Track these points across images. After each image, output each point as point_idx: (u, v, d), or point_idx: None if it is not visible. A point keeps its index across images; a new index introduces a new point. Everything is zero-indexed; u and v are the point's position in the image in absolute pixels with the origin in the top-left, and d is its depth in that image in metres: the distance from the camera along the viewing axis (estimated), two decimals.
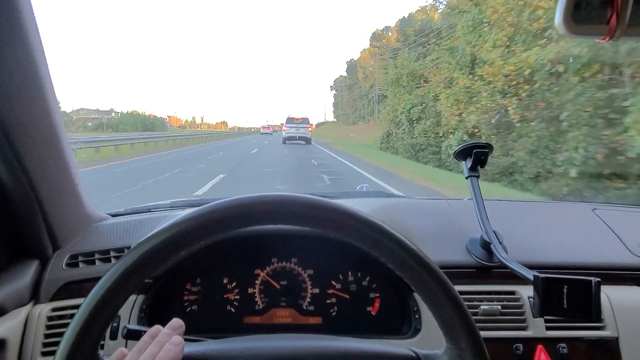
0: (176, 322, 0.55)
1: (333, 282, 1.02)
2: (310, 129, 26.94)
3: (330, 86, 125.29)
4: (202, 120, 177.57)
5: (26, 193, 0.84)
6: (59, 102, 0.87)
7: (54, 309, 0.91)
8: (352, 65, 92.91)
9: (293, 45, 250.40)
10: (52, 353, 0.79)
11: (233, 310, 1.01)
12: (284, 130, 27.28)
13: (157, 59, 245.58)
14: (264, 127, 66.51)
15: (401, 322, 0.99)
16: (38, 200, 0.86)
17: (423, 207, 1.23)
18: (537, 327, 0.91)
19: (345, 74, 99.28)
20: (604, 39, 0.56)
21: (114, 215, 1.19)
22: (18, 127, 0.76)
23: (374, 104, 69.18)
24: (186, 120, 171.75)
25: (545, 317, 0.89)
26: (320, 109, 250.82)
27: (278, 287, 1.02)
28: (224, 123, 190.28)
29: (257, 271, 1.02)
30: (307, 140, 26.45)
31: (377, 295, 1.01)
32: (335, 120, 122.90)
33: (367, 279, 1.02)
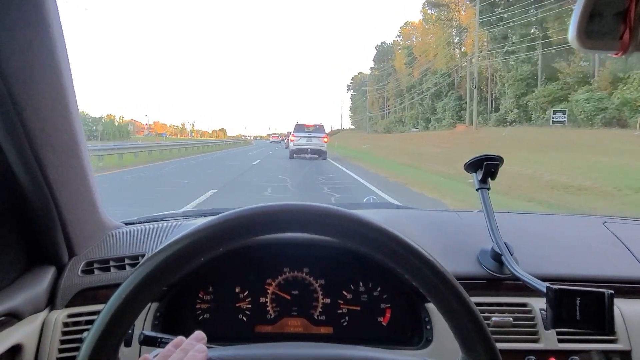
0: (199, 334, 0.57)
1: (344, 292, 1.02)
2: (325, 140, 19.41)
3: (347, 85, 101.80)
4: (193, 127, 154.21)
5: (46, 200, 0.85)
6: (79, 110, 0.88)
7: (70, 315, 0.92)
8: (384, 51, 68.84)
9: (299, 39, 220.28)
10: (68, 359, 0.87)
11: (245, 319, 1.01)
12: (292, 140, 19.78)
13: (146, 59, 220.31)
14: (273, 137, 67.70)
15: (412, 333, 0.99)
16: (57, 208, 0.87)
17: (433, 218, 1.25)
18: (549, 340, 0.91)
19: (372, 64, 75.09)
20: (617, 54, 0.57)
21: (127, 224, 1.20)
22: (42, 136, 0.78)
23: (438, 100, 44.06)
24: (173, 126, 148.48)
25: (558, 330, 0.89)
26: (333, 114, 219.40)
27: (289, 296, 1.02)
28: (223, 131, 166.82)
29: (269, 280, 1.02)
30: (322, 154, 19.07)
31: (388, 305, 1.02)
32: (353, 127, 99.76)
33: (378, 289, 1.02)
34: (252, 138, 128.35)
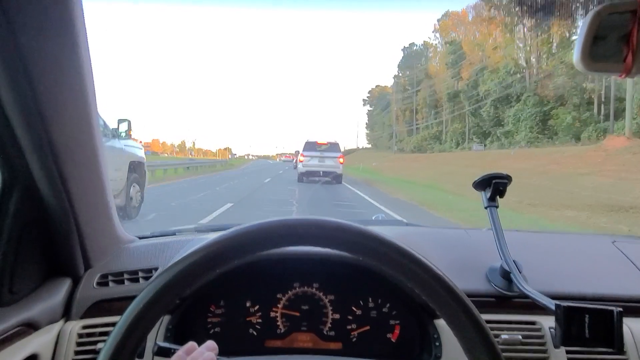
0: (211, 344, 0.58)
1: (354, 308, 1.03)
2: (341, 161, 16.06)
3: (364, 100, 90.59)
4: (194, 145, 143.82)
5: (66, 213, 0.88)
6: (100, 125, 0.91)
7: (85, 327, 0.94)
8: (412, 55, 57.63)
9: (309, 50, 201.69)
10: None
11: (255, 334, 1.02)
12: (301, 161, 16.22)
13: (148, 73, 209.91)
14: (285, 156, 66.82)
15: (421, 350, 1.00)
16: (76, 221, 0.91)
17: (441, 236, 1.26)
18: (558, 358, 0.91)
19: (396, 72, 63.65)
20: (621, 76, 0.60)
21: (141, 238, 1.23)
22: (66, 151, 0.82)
23: (504, 107, 31.94)
24: (173, 144, 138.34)
25: (567, 349, 0.90)
26: (346, 132, 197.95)
27: (299, 311, 1.03)
28: (228, 149, 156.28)
29: (279, 295, 1.04)
30: (337, 178, 15.59)
31: (397, 322, 1.02)
32: (370, 146, 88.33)
33: (388, 305, 1.03)
34: (253, 157, 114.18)
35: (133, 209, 5.90)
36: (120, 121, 5.78)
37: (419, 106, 53.62)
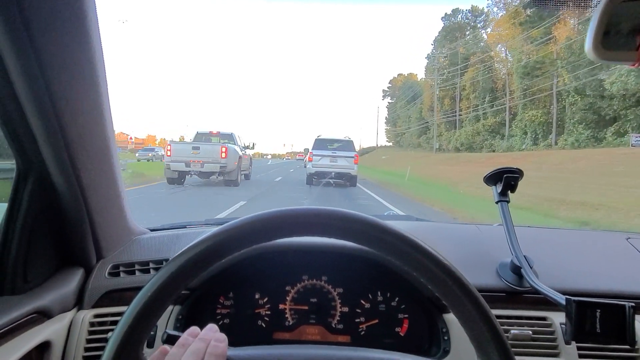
0: (213, 326, 0.57)
1: (362, 302, 1.03)
2: (355, 161, 14.67)
3: (384, 91, 78.22)
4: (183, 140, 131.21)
5: (79, 204, 0.90)
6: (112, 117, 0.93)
7: (96, 315, 0.96)
8: (454, 27, 44.68)
9: (318, 38, 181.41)
10: (93, 357, 0.92)
11: (264, 326, 1.03)
12: (310, 160, 14.99)
13: (149, 74, 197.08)
14: (299, 155, 64.74)
15: (430, 344, 1.00)
16: (88, 212, 0.92)
17: (452, 231, 1.25)
18: (569, 354, 0.91)
19: (431, 49, 51.10)
20: (633, 65, 0.61)
21: (152, 230, 1.24)
22: (78, 141, 0.83)
23: None
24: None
25: (578, 344, 0.90)
26: (361, 129, 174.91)
27: (308, 304, 1.04)
28: None
29: (288, 287, 1.04)
30: (351, 180, 14.53)
31: (406, 316, 1.03)
32: (390, 144, 76.34)
33: (396, 299, 1.03)
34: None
35: (249, 176, 14.69)
36: (251, 142, 14.93)
37: (465, 91, 41.23)
